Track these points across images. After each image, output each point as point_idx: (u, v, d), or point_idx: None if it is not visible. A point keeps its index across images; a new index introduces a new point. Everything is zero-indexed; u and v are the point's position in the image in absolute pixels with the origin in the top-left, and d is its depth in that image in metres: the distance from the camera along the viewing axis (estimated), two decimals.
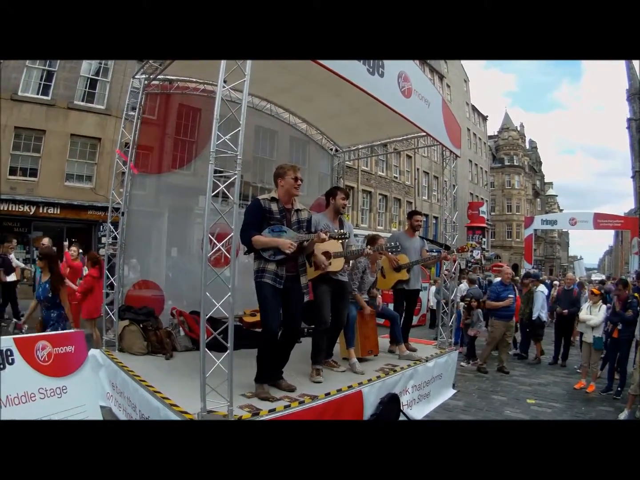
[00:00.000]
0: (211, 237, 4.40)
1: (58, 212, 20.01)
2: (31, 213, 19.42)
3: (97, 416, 4.72)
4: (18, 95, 19.09)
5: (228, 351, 4.33)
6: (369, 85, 6.10)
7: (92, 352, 6.72)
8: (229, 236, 4.39)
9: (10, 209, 18.99)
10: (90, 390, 4.79)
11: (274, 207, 5.32)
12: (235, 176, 4.39)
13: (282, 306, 5.30)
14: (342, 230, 5.63)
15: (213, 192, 4.38)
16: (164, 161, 8.74)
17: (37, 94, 19.80)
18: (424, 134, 8.45)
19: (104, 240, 7.70)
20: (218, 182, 4.43)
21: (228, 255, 4.39)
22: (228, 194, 4.40)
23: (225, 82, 4.44)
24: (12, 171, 19.35)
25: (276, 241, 5.10)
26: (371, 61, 6.10)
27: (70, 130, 20.46)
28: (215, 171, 4.41)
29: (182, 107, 8.69)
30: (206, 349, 4.32)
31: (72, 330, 4.94)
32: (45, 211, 19.72)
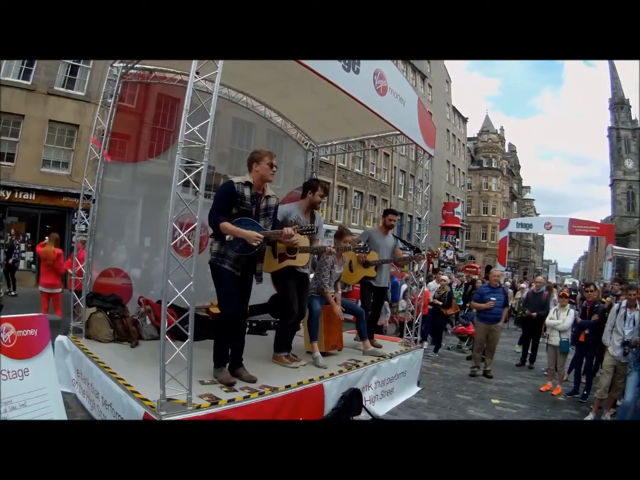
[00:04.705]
0: (176, 226, 4.40)
1: (33, 197, 19.83)
2: (6, 198, 19.23)
3: (58, 399, 4.71)
4: None
5: (188, 340, 4.37)
6: (343, 82, 6.08)
7: (59, 338, 6.77)
8: (193, 226, 4.41)
9: None
10: (52, 373, 4.79)
11: (247, 192, 5.32)
12: (202, 167, 4.41)
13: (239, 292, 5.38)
14: (309, 225, 5.67)
15: (184, 182, 4.43)
16: (141, 150, 8.72)
17: (18, 78, 19.56)
18: (399, 132, 8.46)
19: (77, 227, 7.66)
20: (187, 173, 4.45)
21: (191, 245, 4.42)
22: (194, 184, 4.42)
23: (197, 73, 4.46)
24: None
25: (243, 233, 5.07)
26: None
27: (49, 116, 20.27)
28: (187, 161, 4.44)
29: (161, 97, 8.63)
30: (167, 338, 4.32)
31: (35, 314, 4.92)
32: (20, 196, 19.53)
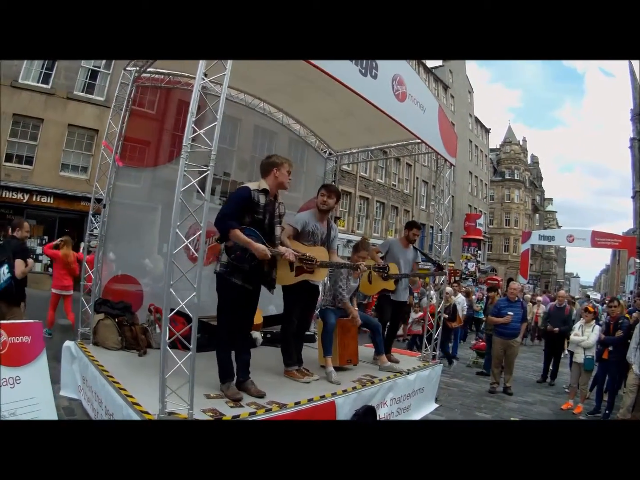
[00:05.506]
0: (181, 235, 4.24)
1: (51, 201, 20.08)
2: (24, 201, 19.47)
3: (50, 409, 4.62)
4: (18, 83, 19.16)
5: (190, 352, 4.18)
6: (360, 87, 5.88)
7: (67, 343, 6.71)
8: (197, 234, 4.26)
9: (3, 195, 19.07)
10: (45, 382, 4.70)
11: (262, 199, 5.15)
12: (208, 172, 4.25)
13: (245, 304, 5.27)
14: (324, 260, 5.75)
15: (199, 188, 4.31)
16: (156, 155, 8.60)
17: (38, 82, 19.93)
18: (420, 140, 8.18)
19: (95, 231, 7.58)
20: (192, 178, 4.31)
21: (196, 254, 4.25)
22: (200, 190, 4.27)
23: (205, 75, 4.32)
24: (8, 158, 19.44)
25: (253, 245, 4.87)
26: (364, 62, 5.89)
27: (68, 120, 20.54)
28: (200, 166, 4.31)
29: (175, 101, 8.51)
30: (169, 349, 4.18)
31: (29, 321, 4.83)
32: (38, 200, 19.79)
